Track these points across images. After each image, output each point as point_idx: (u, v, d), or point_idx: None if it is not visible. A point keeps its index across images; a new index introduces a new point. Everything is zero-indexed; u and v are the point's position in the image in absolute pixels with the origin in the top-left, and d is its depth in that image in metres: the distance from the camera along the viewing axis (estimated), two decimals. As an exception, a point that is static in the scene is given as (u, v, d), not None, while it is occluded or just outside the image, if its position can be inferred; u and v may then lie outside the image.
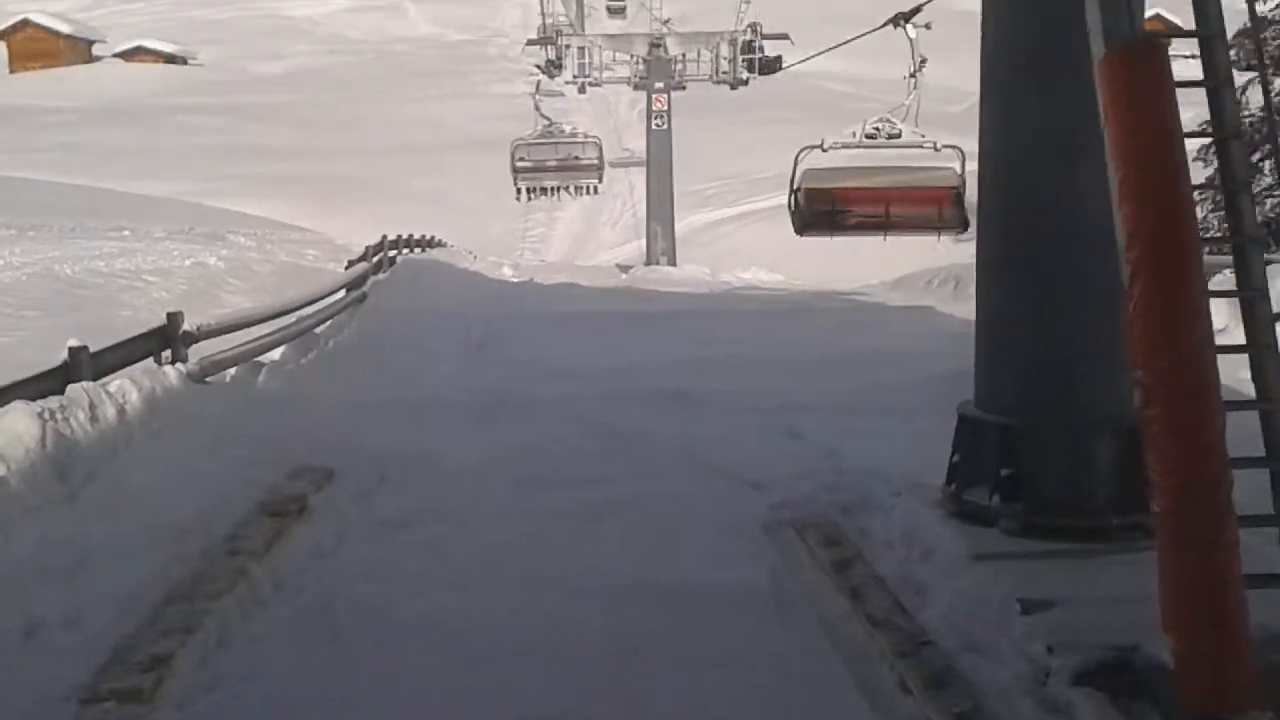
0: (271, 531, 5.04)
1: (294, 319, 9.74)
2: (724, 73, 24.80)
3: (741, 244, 39.81)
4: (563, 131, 21.07)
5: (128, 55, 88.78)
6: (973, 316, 5.82)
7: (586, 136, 20.65)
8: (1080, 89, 4.80)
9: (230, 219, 36.29)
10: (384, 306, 12.30)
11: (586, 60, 24.01)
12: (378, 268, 14.63)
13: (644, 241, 44.29)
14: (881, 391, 8.61)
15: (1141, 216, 3.81)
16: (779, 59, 24.27)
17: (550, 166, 20.71)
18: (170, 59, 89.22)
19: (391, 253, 16.69)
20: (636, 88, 25.84)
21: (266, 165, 53.79)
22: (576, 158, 20.44)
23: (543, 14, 23.87)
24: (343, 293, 12.05)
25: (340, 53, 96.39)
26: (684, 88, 26.98)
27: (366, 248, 14.57)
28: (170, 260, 15.65)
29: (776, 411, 8.01)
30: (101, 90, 77.91)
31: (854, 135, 16.59)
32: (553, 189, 20.13)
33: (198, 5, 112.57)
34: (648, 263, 25.33)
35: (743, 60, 24.17)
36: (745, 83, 24.84)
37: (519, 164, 20.37)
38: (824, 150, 15.53)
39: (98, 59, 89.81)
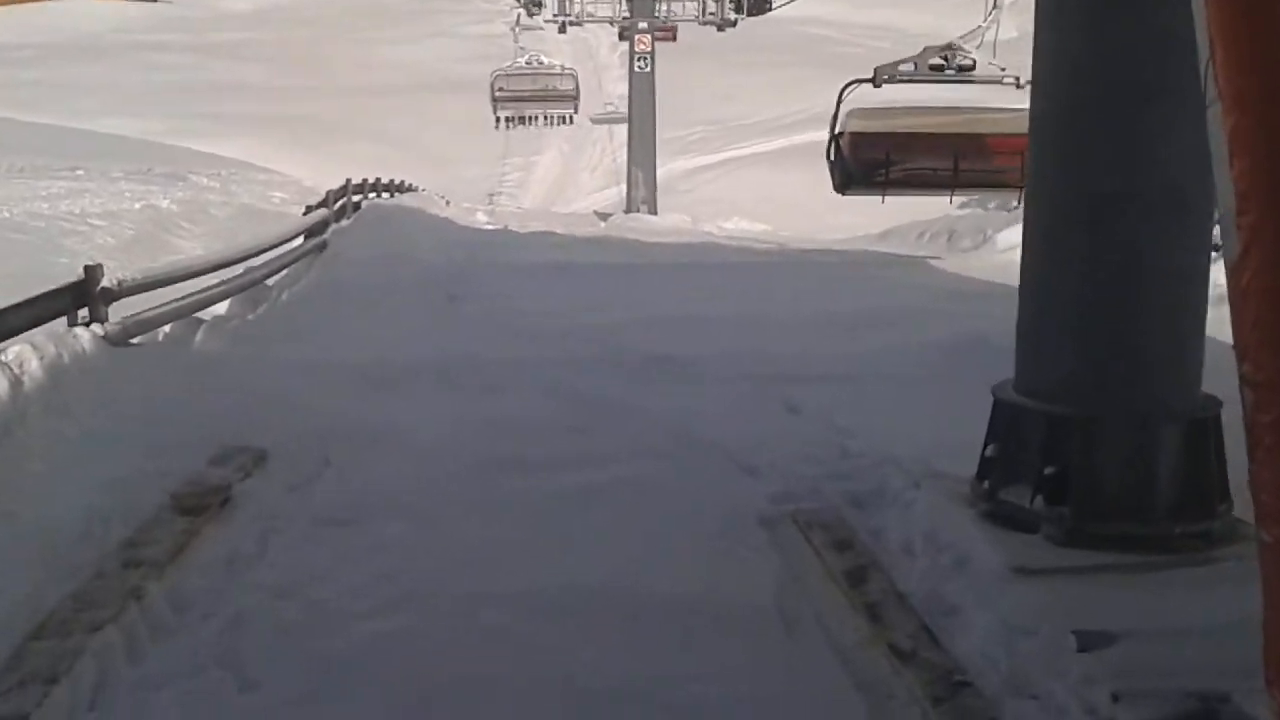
0: (182, 534, 4.21)
1: (242, 269, 8.86)
2: (710, 13, 23.60)
3: (723, 192, 38.94)
4: (541, 64, 21.60)
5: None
6: (966, 272, 5.14)
7: (564, 69, 21.07)
8: (1155, 14, 4.00)
9: (195, 159, 35.11)
10: (346, 255, 11.37)
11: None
12: (340, 213, 13.68)
13: (624, 188, 43.32)
14: (881, 358, 7.86)
15: (1260, 171, 3.01)
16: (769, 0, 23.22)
17: (528, 96, 21.18)
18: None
19: (357, 197, 15.70)
20: (621, 33, 24.31)
21: (235, 104, 52.27)
22: (554, 88, 20.90)
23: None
24: (300, 240, 11.17)
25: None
26: (672, 32, 25.89)
27: (328, 192, 13.57)
28: (120, 203, 14.69)
29: (770, 381, 7.24)
30: (68, 26, 75.62)
31: (914, 67, 13.03)
32: (530, 117, 20.73)
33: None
34: (628, 210, 24.38)
35: (730, 0, 23.02)
36: (734, 23, 23.66)
37: (498, 94, 20.80)
38: (876, 85, 12.37)
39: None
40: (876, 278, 12.65)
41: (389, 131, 49.10)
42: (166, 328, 7.22)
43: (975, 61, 14.18)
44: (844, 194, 13.26)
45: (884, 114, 12.47)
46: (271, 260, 9.84)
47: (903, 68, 12.70)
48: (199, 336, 7.34)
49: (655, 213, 24.03)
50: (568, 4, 22.78)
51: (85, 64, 61.69)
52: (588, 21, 24.28)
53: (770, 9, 22.38)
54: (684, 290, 11.07)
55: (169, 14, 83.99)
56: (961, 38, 14.01)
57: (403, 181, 21.15)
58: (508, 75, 21.41)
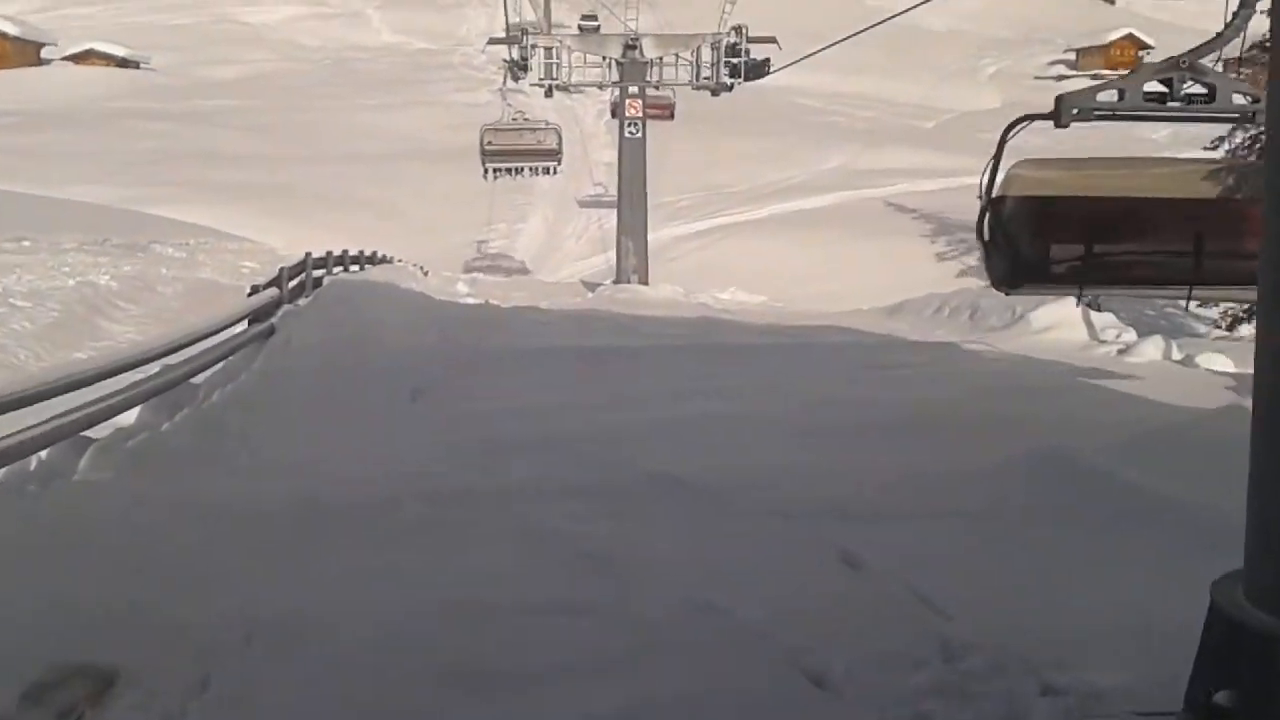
0: None
1: (158, 367, 7.25)
2: (705, 77, 22.33)
3: (713, 259, 37.76)
4: (527, 120, 22.45)
5: (78, 58, 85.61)
6: (1001, 355, 3.58)
7: (548, 124, 22.02)
8: None
9: (165, 227, 33.69)
10: (297, 342, 9.80)
11: (554, 61, 21.58)
12: (299, 292, 12.14)
13: (611, 255, 42.00)
14: (945, 484, 6.28)
15: None
16: (766, 62, 21.95)
17: (515, 150, 21.81)
18: (122, 63, 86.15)
19: (319, 272, 14.15)
20: (612, 110, 23.50)
21: (214, 171, 51.16)
22: (539, 142, 21.71)
23: (506, 11, 21.55)
24: (245, 325, 9.62)
25: (296, 59, 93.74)
26: (669, 110, 24.97)
27: (281, 269, 11.91)
28: (53, 279, 13.17)
29: (813, 517, 5.66)
30: (48, 93, 74.80)
31: (1119, 96, 7.51)
32: (516, 169, 21.56)
33: (153, 10, 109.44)
34: (617, 280, 22.99)
35: (726, 65, 21.77)
36: (729, 88, 22.45)
37: (487, 147, 21.63)
38: (1061, 124, 7.51)
39: (46, 62, 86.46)
40: (902, 364, 11.15)
41: (371, 199, 47.97)
42: (44, 453, 5.63)
43: (1215, 88, 7.90)
44: (1010, 292, 8.20)
45: (1073, 167, 7.60)
46: (205, 352, 8.26)
47: (1102, 97, 7.68)
48: (83, 464, 5.75)
49: (646, 283, 22.64)
50: (555, 69, 21.59)
51: (63, 130, 60.69)
52: (576, 86, 23.09)
53: (768, 73, 21.19)
54: (686, 381, 9.56)
55: (152, 81, 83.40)
56: (1193, 51, 7.81)
57: (374, 253, 19.75)
58: (496, 130, 22.19)
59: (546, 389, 8.96)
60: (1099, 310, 13.40)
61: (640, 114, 22.20)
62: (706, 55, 22.15)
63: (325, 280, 14.17)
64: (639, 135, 22.37)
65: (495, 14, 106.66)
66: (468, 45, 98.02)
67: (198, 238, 31.48)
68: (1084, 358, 11.42)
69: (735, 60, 21.52)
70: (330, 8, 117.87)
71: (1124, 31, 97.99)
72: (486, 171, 22.36)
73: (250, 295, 10.22)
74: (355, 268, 17.62)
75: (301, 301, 12.06)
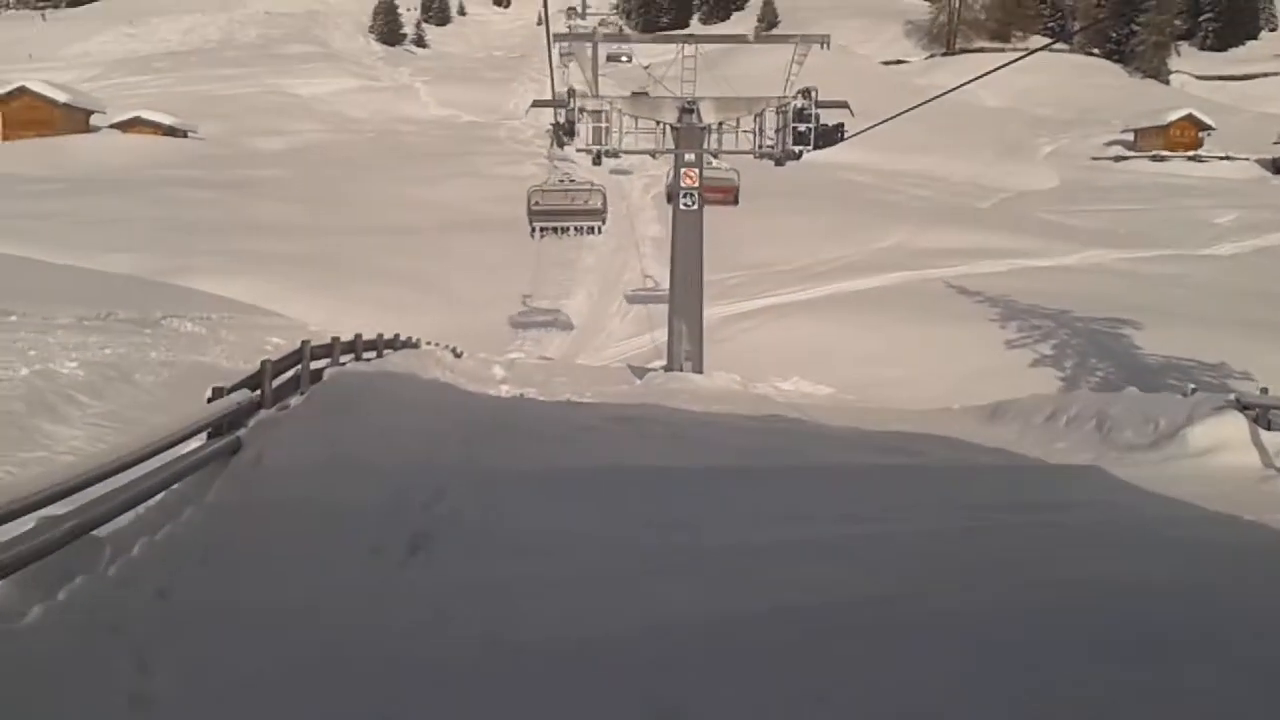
0: None
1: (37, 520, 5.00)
2: (769, 145, 20.15)
3: (766, 342, 35.52)
4: (573, 181, 22.74)
5: (125, 126, 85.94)
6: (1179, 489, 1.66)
7: (593, 185, 22.26)
8: None
9: (192, 299, 32.04)
10: (269, 463, 7.57)
11: (603, 125, 19.52)
12: (289, 390, 9.86)
13: (658, 336, 39.88)
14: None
15: None
16: (840, 129, 19.71)
17: (561, 210, 22.10)
18: (170, 131, 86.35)
19: (322, 363, 11.87)
20: (668, 196, 21.89)
21: (252, 241, 49.92)
22: (585, 203, 22.00)
23: (552, 72, 19.68)
24: (202, 439, 7.36)
25: (344, 131, 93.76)
26: (732, 194, 23.24)
27: (264, 363, 9.50)
28: (4, 367, 11.10)
29: None
30: (93, 160, 74.76)
31: None
32: (562, 229, 22.15)
33: (203, 81, 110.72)
34: (668, 367, 20.65)
35: (794, 130, 19.50)
36: (797, 156, 20.15)
37: (534, 207, 21.92)
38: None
39: (95, 129, 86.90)
40: (1064, 505, 8.38)
41: (414, 271, 46.33)
42: None
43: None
44: None
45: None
46: (135, 482, 6.02)
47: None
48: None
49: (701, 370, 20.30)
50: (604, 134, 19.47)
51: (104, 197, 59.99)
52: (626, 153, 21.01)
53: (841, 139, 18.94)
54: (773, 532, 7.07)
55: (201, 150, 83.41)
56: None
57: (396, 336, 17.63)
58: (543, 191, 22.63)
59: (587, 544, 6.56)
60: (1269, 429, 10.83)
61: (696, 184, 20.02)
62: (770, 122, 20.00)
63: (327, 373, 11.90)
64: (695, 208, 20.20)
65: (543, 89, 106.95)
66: (514, 119, 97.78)
67: (224, 311, 29.73)
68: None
69: (805, 126, 19.23)
70: (379, 81, 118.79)
71: (1184, 112, 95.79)
72: (534, 231, 22.75)
73: (212, 399, 7.89)
74: (373, 354, 15.38)
75: (294, 401, 9.81)
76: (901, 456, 10.15)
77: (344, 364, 12.90)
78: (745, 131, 20.76)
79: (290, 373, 10.31)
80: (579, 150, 19.74)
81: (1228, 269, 50.10)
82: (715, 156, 20.66)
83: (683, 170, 20.07)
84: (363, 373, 12.40)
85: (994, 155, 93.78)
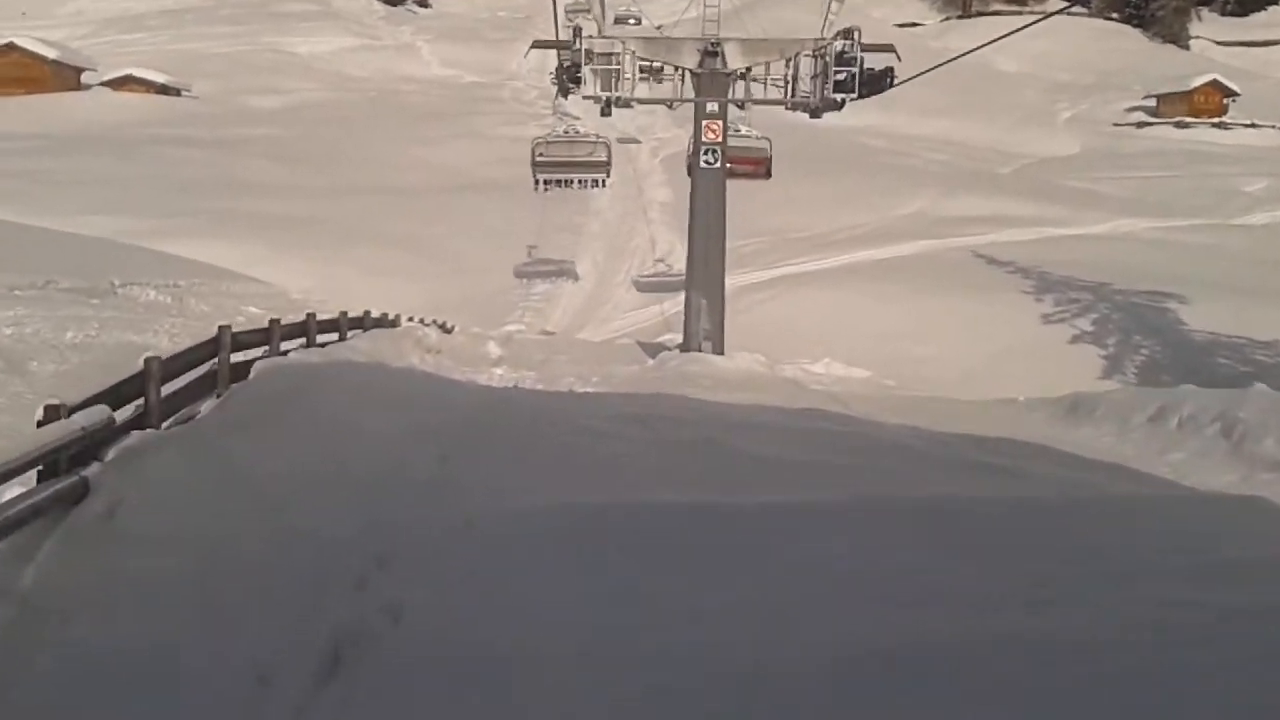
0: None
1: None
2: (804, 93, 17.48)
3: (786, 314, 33.25)
4: (578, 133, 22.06)
5: (116, 84, 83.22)
6: None
7: (598, 137, 22.01)
8: None
9: (165, 264, 29.74)
10: (125, 518, 5.22)
11: (615, 68, 16.89)
12: (203, 391, 7.39)
13: (668, 308, 37.54)
14: None
15: None
16: (889, 73, 17.15)
17: (566, 162, 21.87)
18: (163, 89, 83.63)
19: (253, 353, 9.22)
20: (689, 168, 19.13)
21: (242, 201, 47.55)
22: (590, 155, 21.71)
23: (556, 12, 17.27)
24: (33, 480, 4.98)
25: (343, 90, 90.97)
26: (764, 165, 21.01)
27: (148, 361, 6.76)
28: None
29: None
30: (83, 118, 72.15)
31: None
32: (566, 181, 21.95)
33: (199, 38, 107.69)
34: (685, 346, 18.32)
35: (837, 76, 16.80)
36: (839, 105, 17.43)
37: (539, 159, 21.86)
38: None
39: (86, 87, 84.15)
40: (1258, 563, 5.94)
41: (409, 234, 43.93)
42: None
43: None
44: None
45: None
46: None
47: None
48: None
49: (722, 351, 17.93)
50: (615, 80, 16.87)
51: (90, 156, 57.42)
52: (641, 103, 18.46)
53: (892, 84, 16.46)
54: (881, 632, 4.70)
55: (192, 109, 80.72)
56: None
57: (366, 313, 14.95)
58: (548, 142, 22.33)
59: (600, 684, 4.19)
60: None
61: (720, 139, 17.52)
62: (805, 68, 17.42)
63: (258, 367, 9.25)
64: (716, 165, 17.73)
65: (548, 50, 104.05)
66: (518, 80, 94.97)
67: (197, 277, 27.42)
68: None
69: (847, 71, 16.56)
70: (381, 40, 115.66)
71: (1208, 78, 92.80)
72: (538, 183, 22.52)
73: (44, 421, 5.31)
74: (334, 338, 12.75)
75: (205, 409, 7.39)
76: (1003, 479, 7.84)
77: (287, 353, 10.39)
78: (775, 81, 18.26)
79: (205, 367, 7.89)
80: (585, 98, 17.30)
81: (1262, 239, 47.66)
82: (742, 107, 18.12)
83: (705, 123, 17.58)
84: (308, 364, 9.76)
85: (1013, 121, 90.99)
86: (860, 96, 16.37)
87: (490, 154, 62.28)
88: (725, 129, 17.69)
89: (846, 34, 16.43)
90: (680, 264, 41.30)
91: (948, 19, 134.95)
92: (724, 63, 17.55)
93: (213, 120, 74.87)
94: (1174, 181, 66.79)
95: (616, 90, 16.61)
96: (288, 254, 38.62)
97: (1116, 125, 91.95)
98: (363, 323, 13.89)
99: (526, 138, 64.96)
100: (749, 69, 17.86)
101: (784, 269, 40.39)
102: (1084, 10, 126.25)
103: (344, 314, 13.02)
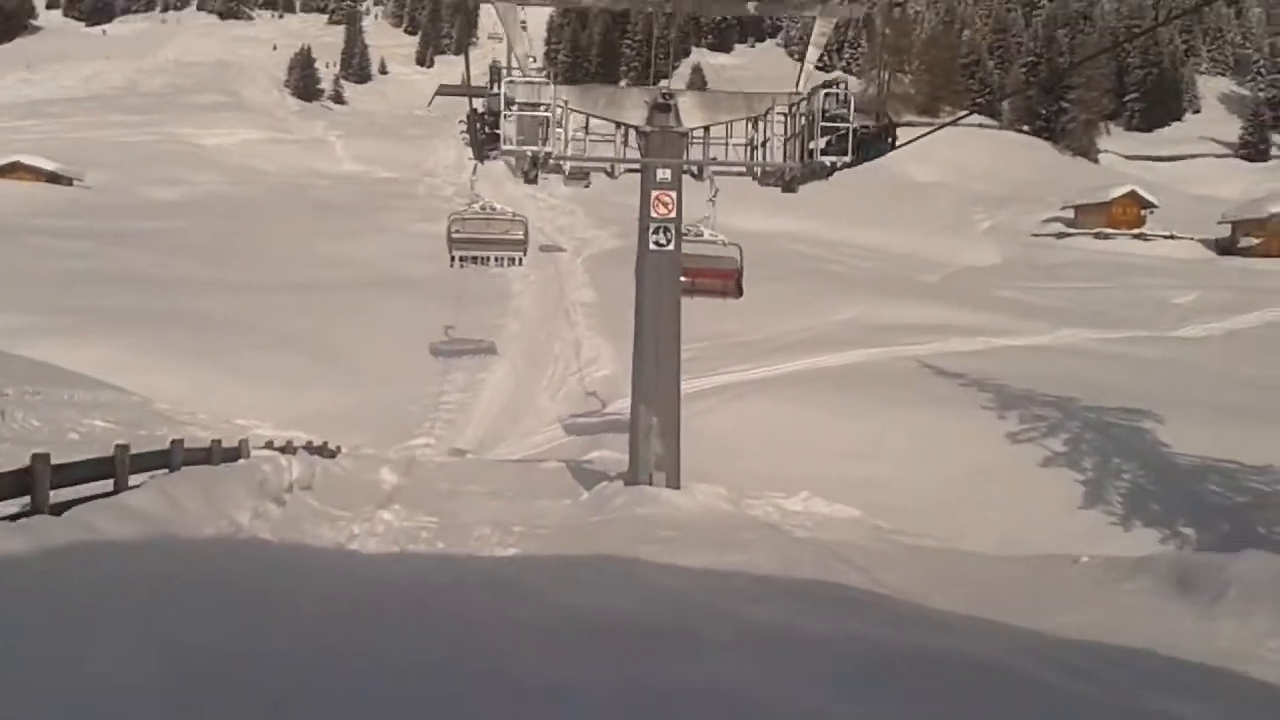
0: None
1: None
2: (778, 160, 13.83)
3: (735, 427, 29.84)
4: (494, 209, 22.02)
5: (2, 172, 78.10)
6: None
7: (515, 215, 22.05)
8: None
9: (8, 368, 25.19)
10: None
11: (542, 117, 13.10)
12: None
13: (593, 419, 33.81)
14: None
15: None
16: (891, 129, 13.70)
17: (482, 239, 21.54)
18: (53, 178, 78.71)
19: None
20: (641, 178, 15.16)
21: (122, 296, 43.00)
22: (506, 232, 21.68)
23: (467, 56, 13.68)
24: None
25: (248, 182, 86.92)
26: (734, 278, 17.45)
27: None
28: None
29: None
30: (-37, 207, 66.85)
31: None
32: (483, 259, 21.83)
33: (100, 127, 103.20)
34: (632, 478, 14.31)
35: (825, 136, 13.12)
36: (827, 173, 13.81)
37: (454, 235, 21.52)
38: None
39: (-28, 176, 78.99)
40: None
41: (310, 336, 39.65)
42: None
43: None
44: None
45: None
46: None
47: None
48: None
49: (677, 482, 14.07)
50: (541, 130, 13.09)
51: (-40, 247, 52.27)
52: (575, 166, 14.69)
53: (894, 147, 13.17)
54: None
55: (85, 199, 75.97)
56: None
57: (175, 443, 9.89)
58: (464, 219, 21.77)
59: None
60: None
61: (672, 213, 13.89)
62: (778, 129, 14.01)
63: None
64: (668, 246, 14.09)
65: (465, 149, 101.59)
66: (434, 176, 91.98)
67: (43, 384, 22.97)
68: None
69: (835, 129, 12.95)
70: (292, 134, 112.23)
71: (1126, 189, 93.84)
72: (453, 260, 21.68)
73: None
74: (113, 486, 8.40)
75: None
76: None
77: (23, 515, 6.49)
78: (737, 145, 14.91)
79: None
80: (503, 155, 13.61)
81: (1216, 353, 45.92)
82: (699, 175, 14.64)
83: (654, 194, 13.98)
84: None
85: (932, 229, 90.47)
86: (853, 162, 13.03)
87: (402, 249, 58.61)
88: (680, 202, 14.22)
89: (829, 86, 13.15)
90: (621, 384, 37.40)
91: (864, 128, 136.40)
92: (678, 119, 14.14)
93: (104, 210, 70.18)
94: (1103, 292, 65.92)
95: (544, 143, 12.93)
96: (163, 356, 34.19)
97: (1035, 235, 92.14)
98: (168, 459, 9.57)
99: (441, 234, 61.74)
100: (707, 128, 14.44)
101: (724, 376, 37.10)
102: (995, 122, 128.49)
103: (121, 450, 8.84)
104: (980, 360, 39.65)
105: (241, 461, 10.67)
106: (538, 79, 13.45)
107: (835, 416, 30.91)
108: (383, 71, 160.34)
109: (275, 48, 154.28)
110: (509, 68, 13.77)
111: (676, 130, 14.37)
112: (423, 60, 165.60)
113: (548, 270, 54.81)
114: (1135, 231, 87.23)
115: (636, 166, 14.61)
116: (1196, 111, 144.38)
